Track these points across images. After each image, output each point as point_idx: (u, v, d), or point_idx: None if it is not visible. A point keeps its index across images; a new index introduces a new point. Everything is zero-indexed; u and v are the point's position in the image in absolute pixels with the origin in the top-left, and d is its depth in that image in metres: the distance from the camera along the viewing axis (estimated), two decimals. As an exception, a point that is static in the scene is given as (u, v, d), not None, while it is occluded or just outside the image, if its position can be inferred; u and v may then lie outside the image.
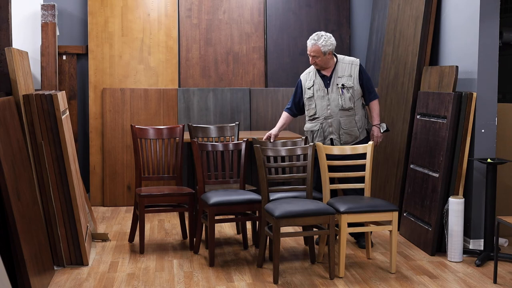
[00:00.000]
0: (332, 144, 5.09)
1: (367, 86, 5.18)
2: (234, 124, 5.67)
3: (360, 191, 4.93)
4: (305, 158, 4.81)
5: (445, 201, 5.00)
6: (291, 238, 5.44)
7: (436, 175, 5.07)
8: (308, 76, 5.24)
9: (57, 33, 6.61)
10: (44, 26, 6.51)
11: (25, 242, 3.80)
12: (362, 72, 5.16)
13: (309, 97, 5.18)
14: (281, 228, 4.34)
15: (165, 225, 5.99)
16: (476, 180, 5.06)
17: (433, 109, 5.23)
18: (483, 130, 5.04)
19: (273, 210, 4.38)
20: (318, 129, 5.14)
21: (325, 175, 4.75)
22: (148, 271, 4.60)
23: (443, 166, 4.99)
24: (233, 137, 5.62)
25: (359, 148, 4.86)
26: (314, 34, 5.12)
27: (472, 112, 4.99)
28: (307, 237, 5.00)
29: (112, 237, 5.50)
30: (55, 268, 4.59)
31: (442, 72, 5.28)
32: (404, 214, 5.55)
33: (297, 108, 5.32)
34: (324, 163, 4.74)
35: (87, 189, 6.87)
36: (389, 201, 5.76)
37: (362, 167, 4.83)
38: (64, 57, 6.84)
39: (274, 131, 5.25)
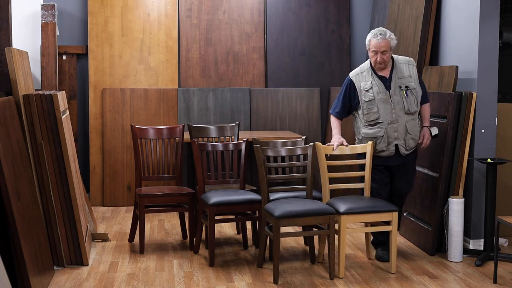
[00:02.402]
0: (397, 150, 4.75)
1: (423, 88, 4.85)
2: (234, 124, 5.66)
3: (360, 191, 4.93)
4: (305, 158, 4.81)
5: (445, 201, 5.00)
6: (291, 238, 5.44)
7: (436, 175, 5.07)
8: (362, 77, 4.78)
9: (57, 33, 6.61)
10: (44, 26, 6.51)
11: (25, 242, 3.80)
12: (418, 72, 4.85)
13: (369, 100, 4.71)
14: (281, 228, 4.34)
15: (165, 225, 5.99)
16: (476, 180, 5.06)
17: (433, 109, 5.22)
18: (483, 130, 5.04)
19: (273, 210, 4.38)
20: (383, 135, 4.72)
21: (325, 175, 4.75)
22: (148, 271, 4.60)
23: (443, 166, 4.99)
24: (233, 137, 5.62)
25: (359, 148, 4.85)
26: (375, 31, 4.72)
27: (472, 112, 4.99)
28: (307, 237, 5.00)
29: (112, 237, 5.50)
30: (55, 268, 4.59)
31: (442, 72, 5.28)
32: (404, 214, 5.55)
33: (347, 112, 4.87)
34: (324, 163, 4.74)
35: (87, 189, 6.87)
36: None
37: (362, 167, 4.83)
38: (64, 57, 6.84)
39: (341, 137, 4.79)
